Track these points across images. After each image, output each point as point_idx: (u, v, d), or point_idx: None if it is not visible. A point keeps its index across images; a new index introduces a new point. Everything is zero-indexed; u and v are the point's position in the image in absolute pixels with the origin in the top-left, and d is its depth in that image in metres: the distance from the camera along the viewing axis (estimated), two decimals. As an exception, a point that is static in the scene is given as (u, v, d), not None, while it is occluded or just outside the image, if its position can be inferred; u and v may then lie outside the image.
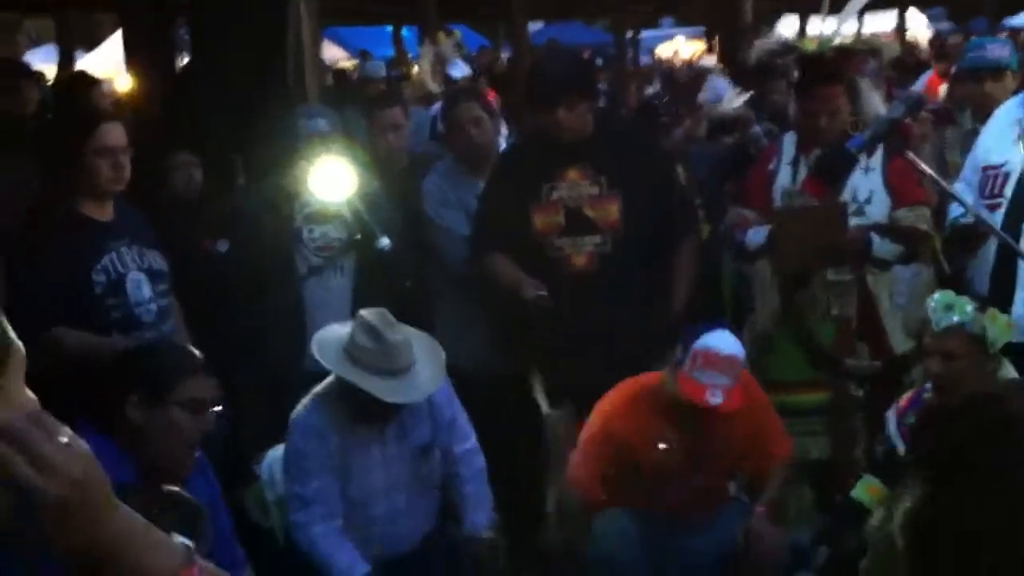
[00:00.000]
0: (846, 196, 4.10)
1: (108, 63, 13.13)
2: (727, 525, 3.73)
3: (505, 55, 13.07)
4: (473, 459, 3.73)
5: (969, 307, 3.18)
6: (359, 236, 4.19)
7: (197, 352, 2.73)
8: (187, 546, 1.10)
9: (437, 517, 3.73)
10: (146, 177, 4.46)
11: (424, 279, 4.60)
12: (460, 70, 8.57)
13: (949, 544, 0.82)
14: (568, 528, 3.77)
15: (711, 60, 10.34)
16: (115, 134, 3.60)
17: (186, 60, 7.30)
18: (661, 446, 3.66)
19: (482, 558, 3.64)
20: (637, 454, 3.69)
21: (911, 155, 3.27)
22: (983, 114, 4.36)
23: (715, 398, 3.47)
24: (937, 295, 3.30)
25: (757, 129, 5.75)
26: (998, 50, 4.85)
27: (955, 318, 3.17)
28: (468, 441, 3.73)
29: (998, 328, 3.18)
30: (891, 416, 3.44)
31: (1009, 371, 3.24)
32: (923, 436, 0.90)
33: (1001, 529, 0.80)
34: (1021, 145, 3.71)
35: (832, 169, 3.70)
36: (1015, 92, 4.59)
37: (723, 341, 3.55)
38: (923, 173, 3.45)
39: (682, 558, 3.80)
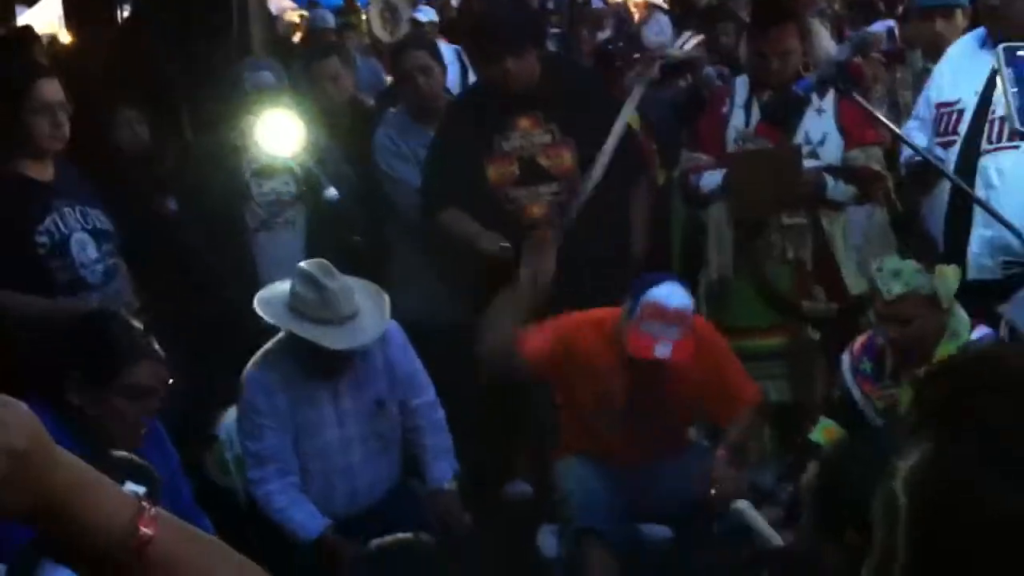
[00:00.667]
0: (799, 138, 4.09)
1: (48, 18, 12.82)
2: (689, 469, 3.74)
3: (455, 2, 12.90)
4: (433, 411, 3.72)
5: (916, 271, 3.17)
6: (306, 188, 4.13)
7: (142, 331, 2.64)
8: (139, 495, 1.07)
9: (399, 472, 3.71)
10: (89, 133, 4.36)
11: (377, 232, 4.55)
12: (426, 15, 8.41)
13: (956, 499, 0.81)
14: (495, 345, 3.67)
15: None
16: (52, 90, 3.50)
17: (128, 13, 7.14)
18: (623, 385, 3.62)
19: (446, 509, 3.63)
20: (590, 376, 3.65)
21: (859, 97, 3.25)
22: (934, 53, 4.35)
23: (662, 351, 3.44)
24: (884, 262, 3.28)
25: (709, 71, 5.71)
26: None
27: (904, 284, 3.16)
28: (427, 394, 3.71)
29: (947, 283, 3.19)
30: (845, 361, 3.44)
31: (960, 316, 3.25)
32: (927, 391, 0.88)
33: (1011, 482, 0.79)
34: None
35: (781, 113, 3.69)
36: (966, 30, 4.59)
37: (671, 293, 3.50)
38: (872, 114, 3.43)
39: (647, 502, 3.82)
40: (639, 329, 3.47)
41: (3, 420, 0.97)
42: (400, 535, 3.36)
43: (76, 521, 1.01)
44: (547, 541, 4.07)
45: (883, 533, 0.87)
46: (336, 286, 3.38)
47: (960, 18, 4.66)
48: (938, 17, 4.69)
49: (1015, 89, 2.17)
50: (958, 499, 0.81)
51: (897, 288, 3.17)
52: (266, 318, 3.43)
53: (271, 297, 3.46)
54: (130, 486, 1.09)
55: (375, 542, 3.34)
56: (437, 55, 4.66)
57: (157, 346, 2.61)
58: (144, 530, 1.02)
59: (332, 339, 3.36)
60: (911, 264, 3.19)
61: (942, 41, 4.38)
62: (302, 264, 3.45)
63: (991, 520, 0.79)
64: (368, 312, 3.44)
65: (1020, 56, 2.19)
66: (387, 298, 3.53)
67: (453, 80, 6.54)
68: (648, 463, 3.77)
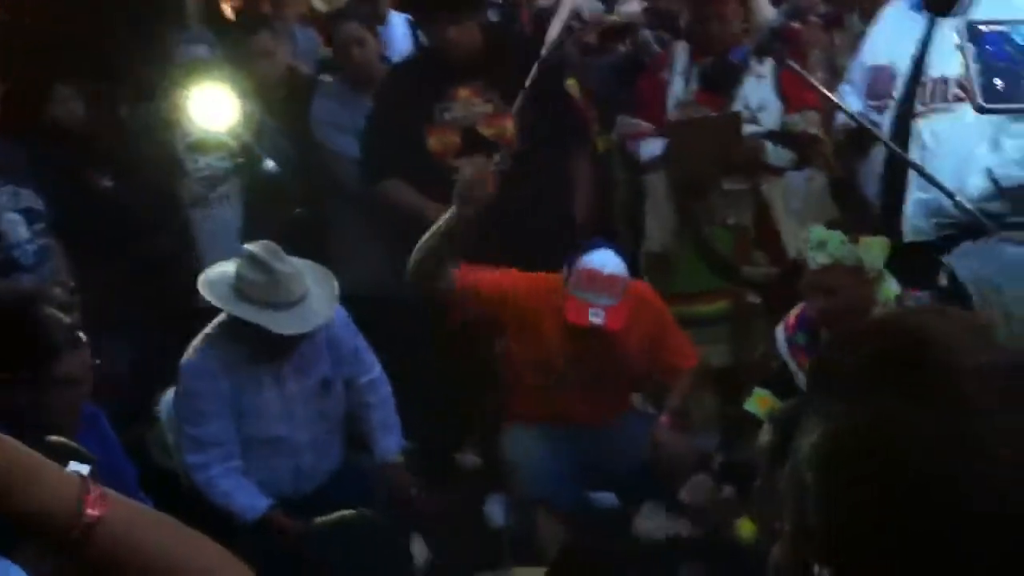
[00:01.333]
0: (739, 105, 4.09)
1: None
2: (634, 435, 3.77)
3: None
4: (380, 387, 3.70)
5: (841, 241, 3.20)
6: (243, 161, 4.07)
7: (64, 320, 2.58)
8: (82, 475, 1.06)
9: (343, 449, 3.70)
10: (23, 109, 4.27)
11: (316, 204, 4.51)
12: None
13: (869, 466, 0.81)
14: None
15: None
16: None
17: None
18: (565, 345, 3.64)
19: (395, 482, 3.63)
20: (532, 332, 3.66)
21: (794, 64, 3.26)
22: (870, 15, 4.35)
23: (596, 318, 3.48)
24: (811, 232, 3.31)
25: (646, 34, 5.70)
26: None
27: (830, 255, 3.19)
28: (373, 370, 3.70)
29: (873, 254, 3.21)
30: (780, 333, 3.47)
31: (891, 284, 3.28)
32: (830, 360, 0.89)
33: (925, 444, 0.80)
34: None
35: (718, 80, 3.69)
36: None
37: (606, 260, 3.54)
38: (807, 80, 3.45)
39: (594, 469, 3.84)
40: (574, 296, 3.51)
41: None
42: (344, 512, 3.34)
43: (19, 504, 0.99)
44: (495, 510, 4.09)
45: (792, 517, 0.87)
46: (285, 268, 3.31)
47: None
48: None
49: (978, 66, 2.17)
50: (878, 464, 0.82)
51: (822, 258, 3.19)
52: (211, 300, 3.34)
53: (216, 279, 3.37)
54: (74, 466, 1.07)
55: (319, 520, 3.32)
56: (372, 26, 4.62)
57: (80, 332, 2.57)
58: (90, 511, 1.01)
59: (280, 323, 3.29)
60: (837, 235, 3.21)
61: (878, 3, 4.38)
62: (248, 246, 3.37)
63: (913, 482, 0.80)
64: (316, 295, 3.38)
65: (983, 31, 2.20)
66: (335, 281, 3.48)
67: (407, 50, 6.45)
68: (593, 424, 3.80)
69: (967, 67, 2.16)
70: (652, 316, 3.76)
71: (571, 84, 5.39)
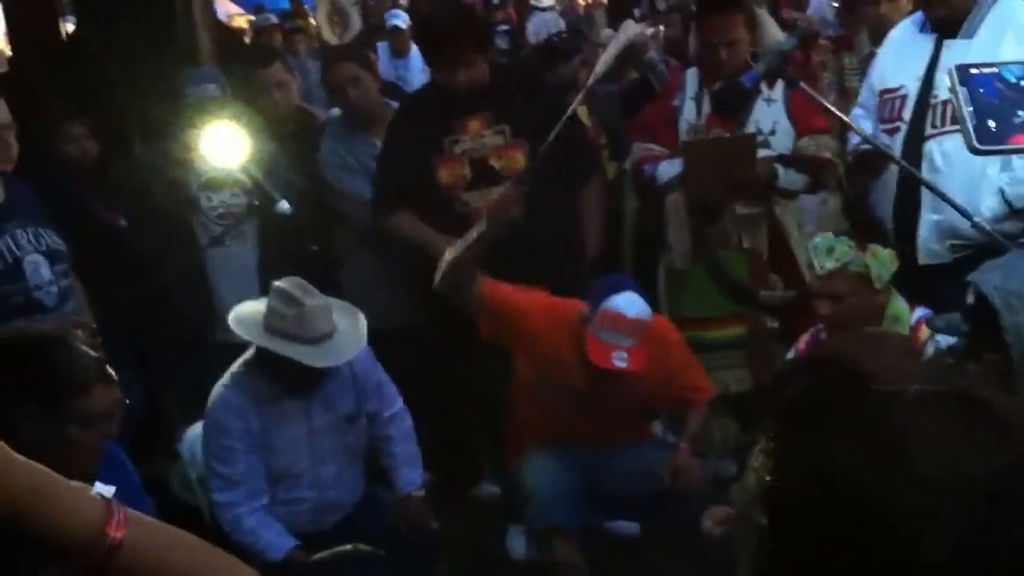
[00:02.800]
0: (750, 128, 4.11)
1: (-7, 32, 12.63)
2: (653, 463, 3.76)
3: (404, 1, 12.86)
4: (402, 421, 3.72)
5: (849, 247, 3.20)
6: (258, 202, 4.10)
7: (94, 355, 2.59)
8: (106, 497, 1.07)
9: (365, 483, 3.71)
10: (37, 149, 4.30)
11: (329, 241, 4.53)
12: (402, 19, 8.38)
13: (809, 502, 0.81)
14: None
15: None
16: None
17: (71, 25, 7.06)
18: (581, 376, 3.63)
19: (415, 515, 3.63)
20: (542, 356, 3.69)
21: (805, 86, 3.27)
22: (879, 36, 4.36)
23: (619, 362, 3.49)
24: (817, 239, 3.31)
25: (652, 55, 5.74)
26: None
27: (836, 260, 3.19)
28: (396, 404, 3.71)
29: (880, 263, 3.21)
30: (792, 356, 3.47)
31: (899, 302, 3.28)
32: (772, 394, 0.89)
33: (859, 479, 0.80)
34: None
35: (729, 104, 3.70)
36: (911, 12, 4.61)
37: (630, 303, 3.54)
38: (819, 103, 3.46)
39: (612, 496, 3.83)
40: (597, 336, 3.51)
41: None
42: (342, 548, 3.34)
43: (44, 526, 1.00)
44: (515, 542, 4.08)
45: (747, 553, 0.87)
46: (314, 304, 3.34)
47: (904, 1, 4.69)
48: (882, 1, 4.71)
49: (971, 108, 2.18)
50: (817, 500, 0.82)
51: (829, 264, 3.19)
52: (243, 336, 3.37)
53: (245, 315, 3.41)
54: (99, 487, 1.08)
55: (317, 556, 3.31)
56: (368, 64, 4.64)
57: (109, 368, 2.57)
58: (113, 533, 1.01)
59: (311, 357, 3.31)
60: (844, 240, 3.21)
61: (887, 23, 4.40)
62: (278, 282, 3.39)
63: (852, 517, 0.80)
64: (345, 330, 3.41)
65: (973, 74, 2.21)
66: (363, 318, 3.50)
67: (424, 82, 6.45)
68: (609, 446, 3.79)
69: (960, 110, 2.17)
70: (669, 352, 3.77)
71: (580, 111, 5.41)
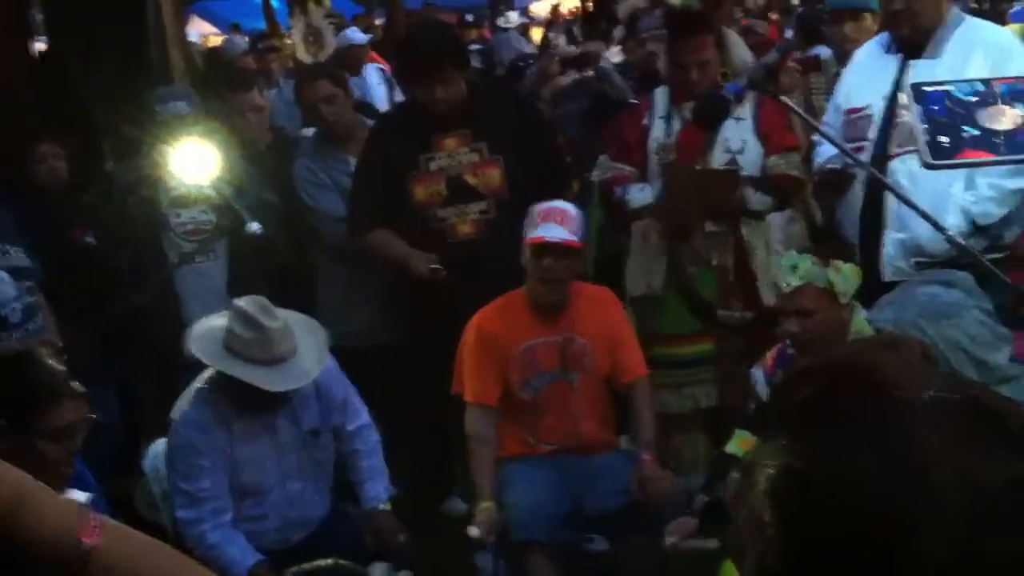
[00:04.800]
0: (718, 147, 4.14)
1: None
2: (622, 474, 3.78)
3: (380, 20, 12.91)
4: (368, 434, 3.72)
5: (812, 263, 3.23)
6: (228, 222, 4.10)
7: (61, 369, 2.58)
8: (82, 503, 1.08)
9: (331, 497, 3.70)
10: (7, 168, 4.31)
11: (303, 259, 4.54)
12: (360, 37, 8.44)
13: (819, 506, 0.82)
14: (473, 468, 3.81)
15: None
16: None
17: (42, 45, 7.05)
18: (531, 342, 3.80)
19: (383, 529, 3.63)
20: (510, 351, 3.81)
21: (786, 99, 3.31)
22: (845, 56, 4.42)
23: (551, 237, 3.69)
24: (783, 257, 3.35)
25: (606, 66, 5.81)
26: None
27: (801, 277, 3.22)
28: (361, 417, 3.71)
29: (844, 278, 3.24)
30: (758, 373, 3.49)
31: (861, 315, 3.31)
32: (782, 398, 0.90)
33: (870, 484, 0.81)
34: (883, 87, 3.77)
35: (710, 114, 3.74)
36: (877, 33, 4.67)
37: (558, 203, 3.81)
38: (799, 116, 3.50)
39: (585, 509, 3.85)
40: (532, 233, 3.73)
41: None
42: (320, 562, 3.33)
43: (22, 530, 1.01)
44: (484, 558, 4.07)
45: (753, 557, 0.88)
46: (274, 325, 3.30)
47: (869, 21, 4.74)
48: (847, 20, 4.77)
49: (925, 125, 2.23)
50: (827, 504, 0.83)
51: (794, 280, 3.23)
52: (201, 358, 3.34)
53: (205, 335, 3.37)
54: (75, 493, 1.09)
55: (293, 570, 3.30)
56: (342, 82, 4.66)
57: (75, 383, 2.57)
58: (86, 541, 1.03)
59: (271, 381, 3.29)
60: (808, 257, 3.25)
61: (852, 44, 4.45)
62: (238, 302, 3.36)
63: (861, 522, 0.81)
64: (306, 349, 3.39)
65: (928, 92, 2.26)
66: (324, 334, 3.49)
67: (381, 99, 6.55)
68: (583, 450, 3.83)
69: (915, 127, 2.22)
70: (614, 319, 3.92)
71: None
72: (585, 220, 4.11)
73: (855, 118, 3.80)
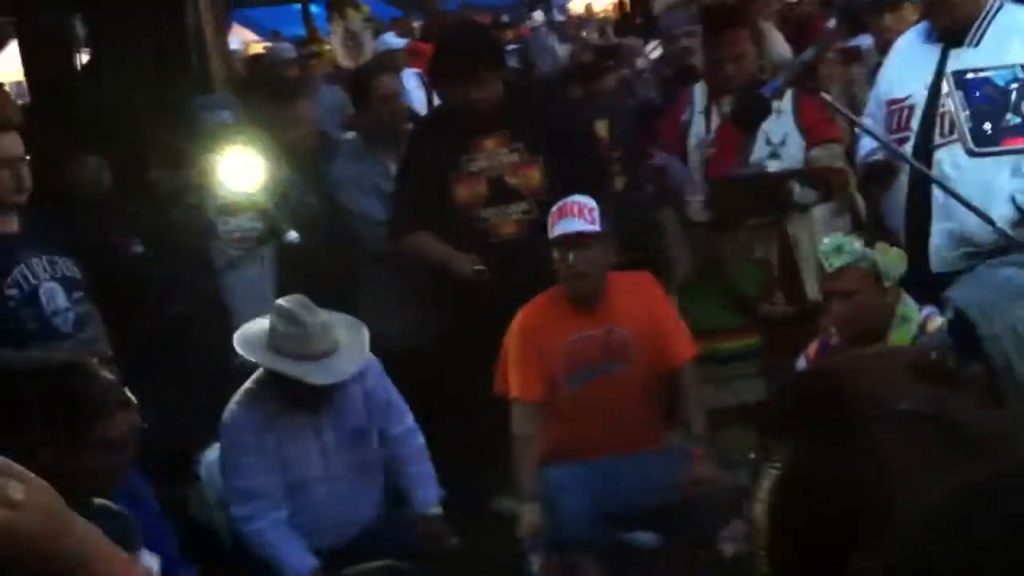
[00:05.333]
0: (760, 140, 4.12)
1: (15, 65, 12.78)
2: (671, 473, 3.77)
3: (418, 23, 12.96)
4: (413, 439, 3.74)
5: (857, 244, 3.22)
6: (267, 231, 4.15)
7: (114, 380, 2.61)
8: (149, 570, 1.12)
9: (382, 501, 3.73)
10: (53, 179, 4.36)
11: (345, 264, 4.56)
12: (396, 42, 8.51)
13: (791, 509, 0.84)
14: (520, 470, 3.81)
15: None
16: (12, 143, 3.51)
17: (84, 56, 7.14)
18: (572, 337, 3.82)
19: (433, 534, 3.65)
20: (554, 346, 3.82)
21: (826, 95, 3.29)
22: (886, 46, 4.38)
23: (572, 228, 3.71)
24: (826, 239, 3.33)
25: (641, 62, 5.82)
26: None
27: (846, 257, 3.21)
28: (405, 422, 3.74)
29: (889, 261, 3.22)
30: (802, 363, 3.47)
31: (909, 302, 3.28)
32: (778, 404, 0.92)
33: (831, 488, 0.82)
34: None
35: (748, 114, 3.72)
36: (917, 22, 4.62)
37: (572, 198, 3.80)
38: (839, 112, 3.47)
39: (632, 506, 3.84)
40: (555, 233, 3.75)
41: (34, 487, 1.06)
42: (373, 563, 3.36)
43: None
44: (535, 558, 4.07)
45: (762, 558, 0.89)
46: (315, 321, 3.39)
47: (909, 11, 4.70)
48: (886, 10, 4.73)
49: (966, 111, 2.21)
50: (796, 506, 0.84)
51: (838, 261, 3.21)
52: (246, 356, 3.43)
53: (250, 335, 3.47)
54: (146, 557, 1.12)
55: (347, 571, 3.34)
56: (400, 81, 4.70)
57: (128, 393, 2.60)
58: None
59: (313, 374, 3.37)
60: (853, 239, 3.23)
61: (891, 35, 4.41)
62: (280, 301, 3.46)
63: (824, 525, 0.82)
64: (347, 346, 3.46)
65: (968, 80, 2.24)
66: (366, 331, 3.55)
67: (419, 104, 6.58)
68: (627, 451, 3.80)
69: (957, 114, 2.19)
70: (652, 301, 3.92)
71: (600, 126, 5.51)
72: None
73: (897, 108, 3.76)
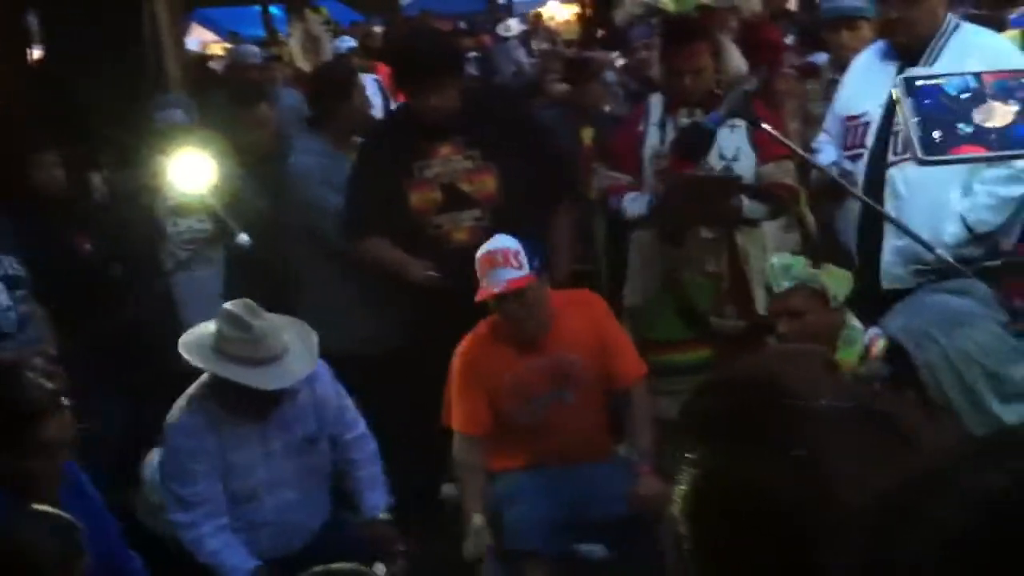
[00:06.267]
0: (712, 154, 4.14)
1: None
2: (620, 485, 3.77)
3: (377, 28, 12.93)
4: (365, 444, 3.73)
5: (804, 265, 3.25)
6: (219, 233, 4.11)
7: (46, 385, 2.59)
8: None
9: (330, 506, 3.70)
10: (5, 177, 4.31)
11: (295, 265, 4.52)
12: (347, 43, 8.51)
13: (722, 511, 0.84)
14: (464, 491, 3.80)
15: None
16: None
17: (39, 51, 7.06)
18: (518, 369, 3.77)
19: (382, 538, 3.63)
20: (498, 382, 3.79)
21: (768, 127, 3.33)
22: (841, 64, 4.42)
23: (496, 288, 3.62)
24: (775, 259, 3.36)
25: (609, 75, 5.84)
26: None
27: (793, 278, 3.24)
28: (358, 427, 3.72)
29: (836, 281, 3.25)
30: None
31: (854, 323, 3.31)
32: (696, 409, 0.92)
33: (767, 490, 0.82)
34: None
35: (691, 147, 3.75)
36: (874, 40, 4.67)
37: (494, 241, 3.71)
38: (782, 143, 3.52)
39: (582, 518, 3.84)
40: (483, 287, 3.66)
41: None
42: (335, 565, 3.33)
43: None
44: (488, 567, 4.07)
45: (678, 565, 0.89)
46: (262, 325, 3.34)
47: (866, 29, 4.75)
48: (843, 28, 4.77)
49: (916, 119, 2.22)
50: (730, 508, 0.84)
51: (786, 282, 3.24)
52: (191, 360, 3.37)
53: (195, 340, 3.41)
54: None
55: (316, 569, 3.30)
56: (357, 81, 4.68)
57: (62, 398, 2.58)
58: None
59: (260, 379, 3.32)
60: (801, 260, 3.26)
61: (848, 52, 4.46)
62: (227, 305, 3.40)
63: (759, 529, 0.82)
64: (296, 350, 3.41)
65: (919, 86, 2.25)
66: (315, 335, 3.50)
67: (376, 108, 6.56)
68: (578, 461, 3.80)
69: (905, 121, 2.21)
70: (598, 319, 3.88)
71: (585, 132, 5.56)
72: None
73: (853, 125, 3.81)
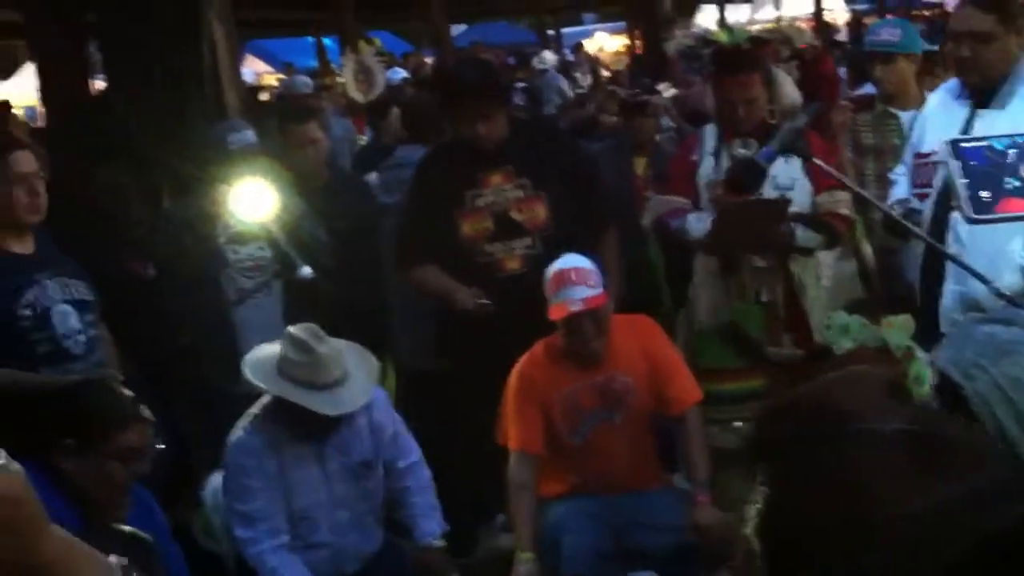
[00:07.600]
0: (767, 184, 4.14)
1: (26, 89, 12.93)
2: (674, 511, 3.77)
3: (429, 58, 13.06)
4: (419, 471, 3.75)
5: (862, 324, 3.21)
6: (278, 266, 4.18)
7: (130, 396, 2.69)
8: (123, 566, 1.11)
9: (383, 531, 3.73)
10: (68, 201, 4.40)
11: (375, 288, 4.58)
12: (399, 74, 8.64)
13: (796, 536, 0.85)
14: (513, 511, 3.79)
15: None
16: (26, 160, 3.55)
17: (101, 83, 7.21)
18: (571, 387, 3.79)
19: (435, 567, 3.65)
20: (552, 399, 3.80)
21: (819, 161, 3.33)
22: (885, 95, 4.42)
23: (574, 307, 3.64)
24: (832, 318, 3.33)
25: (665, 120, 5.88)
26: (886, 33, 4.88)
27: (852, 339, 3.21)
28: (413, 454, 3.75)
29: (896, 334, 3.22)
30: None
31: (921, 361, 3.27)
32: (756, 434, 0.93)
33: (823, 510, 0.84)
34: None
35: (743, 182, 3.77)
36: (917, 75, 4.67)
37: (567, 260, 3.75)
38: (835, 178, 3.52)
39: (633, 545, 3.84)
40: (554, 302, 3.67)
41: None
42: None
43: None
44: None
45: None
46: (326, 350, 3.39)
47: (902, 63, 4.73)
48: (879, 63, 4.78)
49: (965, 180, 2.23)
50: (790, 537, 0.85)
51: (846, 343, 3.21)
52: (255, 382, 3.43)
53: (260, 360, 3.47)
54: (113, 559, 1.11)
55: None
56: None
57: (144, 409, 2.68)
58: None
59: (322, 404, 3.36)
60: (856, 319, 3.23)
61: (888, 86, 4.47)
62: (291, 328, 3.46)
63: (814, 563, 0.83)
64: (357, 376, 3.46)
65: (965, 148, 2.26)
66: (375, 361, 3.56)
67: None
68: (629, 490, 3.81)
69: (954, 184, 2.21)
70: (653, 344, 3.89)
71: (638, 162, 5.62)
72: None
73: (923, 163, 3.78)
